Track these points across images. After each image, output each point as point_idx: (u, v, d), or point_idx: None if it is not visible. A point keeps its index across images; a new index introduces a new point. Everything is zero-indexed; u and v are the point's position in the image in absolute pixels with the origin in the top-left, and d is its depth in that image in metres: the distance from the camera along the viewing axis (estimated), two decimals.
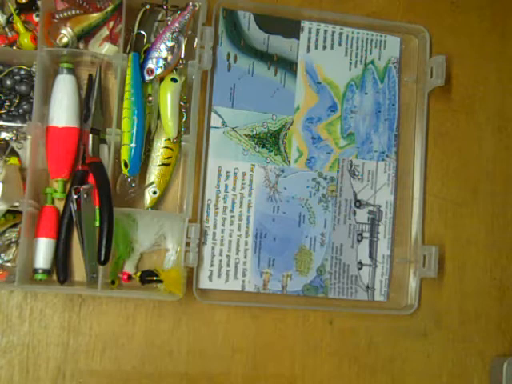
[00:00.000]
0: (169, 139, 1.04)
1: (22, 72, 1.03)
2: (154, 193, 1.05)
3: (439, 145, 1.16)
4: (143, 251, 1.05)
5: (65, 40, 1.00)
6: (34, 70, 1.02)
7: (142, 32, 1.05)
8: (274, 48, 1.12)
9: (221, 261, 1.07)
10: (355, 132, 1.13)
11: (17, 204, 0.95)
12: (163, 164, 1.05)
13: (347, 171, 1.12)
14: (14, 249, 1.00)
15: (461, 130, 1.17)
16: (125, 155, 1.00)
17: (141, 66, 1.03)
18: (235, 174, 1.09)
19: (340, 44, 1.14)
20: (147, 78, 1.03)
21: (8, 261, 1.00)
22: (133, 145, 1.00)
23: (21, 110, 1.02)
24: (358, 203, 1.12)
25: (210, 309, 1.07)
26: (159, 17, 1.07)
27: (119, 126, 1.01)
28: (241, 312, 1.08)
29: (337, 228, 1.11)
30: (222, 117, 1.09)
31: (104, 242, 0.93)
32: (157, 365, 1.05)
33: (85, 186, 0.98)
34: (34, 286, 0.99)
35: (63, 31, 0.99)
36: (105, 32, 1.04)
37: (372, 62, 1.15)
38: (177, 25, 1.03)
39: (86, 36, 1.02)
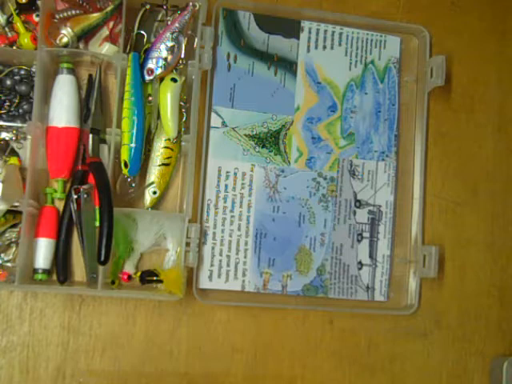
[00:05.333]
0: (169, 139, 1.04)
1: (22, 72, 1.03)
2: (154, 193, 1.05)
3: (439, 145, 1.16)
4: (143, 251, 1.05)
5: (65, 40, 1.00)
6: (34, 70, 1.02)
7: (142, 32, 1.05)
8: (274, 48, 1.12)
9: (221, 261, 1.07)
10: (355, 132, 1.13)
11: (17, 204, 0.95)
12: (163, 164, 1.05)
13: (347, 171, 1.12)
14: (14, 249, 1.01)
15: (461, 130, 1.17)
16: (125, 155, 1.00)
17: (141, 65, 1.03)
18: (235, 174, 1.09)
19: (340, 44, 1.14)
20: (147, 78, 1.03)
21: (8, 261, 1.00)
22: (133, 145, 1.00)
23: (21, 110, 1.02)
24: (358, 203, 1.12)
25: (210, 309, 1.07)
26: (159, 17, 1.07)
27: (119, 125, 1.01)
28: (241, 312, 1.08)
29: (337, 228, 1.11)
30: (222, 117, 1.09)
31: (104, 242, 0.93)
32: (157, 365, 1.05)
33: (85, 186, 0.98)
34: (34, 286, 0.99)
35: (63, 31, 0.99)
36: (105, 32, 1.04)
37: (372, 62, 1.15)
38: (177, 25, 1.03)
39: (85, 36, 1.02)
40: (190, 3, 1.04)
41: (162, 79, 1.04)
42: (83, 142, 1.02)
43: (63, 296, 1.03)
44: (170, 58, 1.02)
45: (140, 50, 1.04)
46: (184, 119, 1.05)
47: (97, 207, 0.97)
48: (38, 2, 1.02)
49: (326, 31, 1.14)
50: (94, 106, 1.02)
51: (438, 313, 1.13)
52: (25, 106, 1.02)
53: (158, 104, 1.03)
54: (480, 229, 1.16)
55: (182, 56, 1.04)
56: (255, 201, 1.09)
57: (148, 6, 1.05)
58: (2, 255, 1.00)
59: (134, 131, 1.00)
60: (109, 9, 1.02)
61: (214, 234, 1.07)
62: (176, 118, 1.03)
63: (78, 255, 1.02)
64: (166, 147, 1.05)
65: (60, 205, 1.02)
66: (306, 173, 1.11)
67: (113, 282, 1.03)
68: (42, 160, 1.02)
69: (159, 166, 1.05)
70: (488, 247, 1.16)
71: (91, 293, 1.01)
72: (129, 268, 1.04)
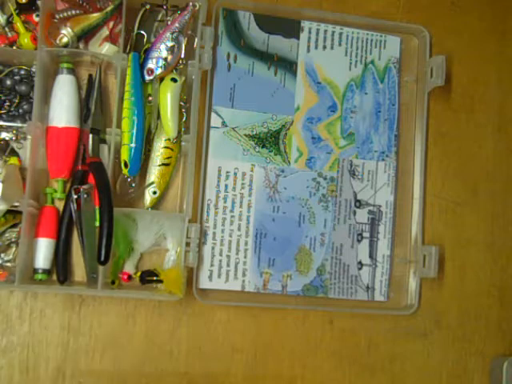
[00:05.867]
0: (169, 139, 1.04)
1: (22, 72, 1.03)
2: (154, 193, 1.05)
3: (439, 145, 1.16)
4: (143, 251, 1.05)
5: (65, 40, 1.00)
6: (34, 70, 1.02)
7: (142, 32, 1.05)
8: (274, 48, 1.12)
9: (221, 261, 1.07)
10: (355, 132, 1.13)
11: (17, 204, 0.95)
12: (163, 164, 1.05)
13: (347, 171, 1.12)
14: (13, 249, 1.00)
15: (461, 130, 1.17)
16: (125, 155, 1.00)
17: (141, 65, 1.03)
18: (235, 174, 1.09)
19: (340, 44, 1.14)
20: (147, 78, 1.03)
21: (8, 261, 1.00)
22: (133, 145, 1.00)
23: (21, 110, 1.02)
24: (358, 203, 1.12)
25: (210, 309, 1.07)
26: (159, 17, 1.07)
27: (119, 126, 1.01)
28: (241, 312, 1.08)
29: (337, 228, 1.11)
30: (222, 117, 1.09)
31: (104, 242, 0.93)
32: (157, 365, 1.05)
33: (85, 186, 0.98)
34: (34, 286, 0.99)
35: (63, 31, 0.99)
36: (105, 32, 1.04)
37: (372, 62, 1.15)
38: (177, 25, 1.03)
39: (85, 36, 1.02)
40: (190, 3, 1.04)
41: (162, 79, 1.04)
42: (83, 142, 1.02)
43: (63, 296, 1.03)
44: (170, 57, 1.02)
45: (140, 50, 1.04)
46: (184, 119, 1.06)
47: (97, 207, 0.97)
48: (38, 2, 1.02)
49: (326, 31, 1.14)
50: (94, 106, 1.02)
51: (438, 313, 1.13)
52: (25, 106, 1.02)
53: (158, 104, 1.03)
54: (480, 229, 1.16)
55: (182, 56, 1.04)
56: (255, 201, 1.09)
57: (148, 6, 1.05)
58: (2, 255, 1.00)
59: (134, 131, 1.00)
60: (109, 9, 1.02)
61: (214, 233, 1.07)
62: (176, 118, 1.03)
63: (78, 255, 1.02)
64: (166, 147, 1.05)
65: (60, 205, 1.02)
66: (305, 173, 1.11)
67: (113, 282, 1.03)
68: (42, 160, 1.02)
69: (159, 165, 1.05)
70: (488, 247, 1.16)
71: (91, 293, 1.01)
72: (129, 268, 1.04)
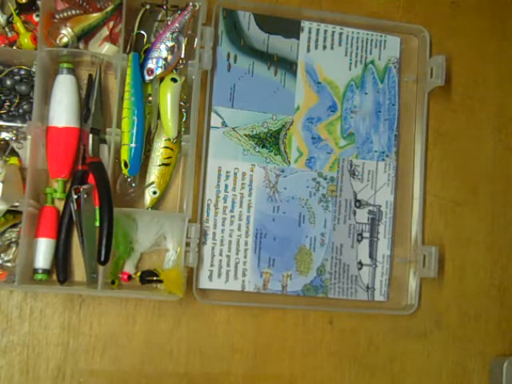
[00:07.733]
0: (169, 139, 1.04)
1: (22, 72, 1.03)
2: (154, 193, 1.05)
3: (439, 145, 1.16)
4: (143, 251, 1.05)
5: (65, 40, 1.00)
6: (33, 70, 1.02)
7: (142, 32, 1.05)
8: (274, 48, 1.12)
9: (221, 261, 1.07)
10: (355, 132, 1.13)
11: (17, 204, 0.95)
12: (163, 164, 1.05)
13: (347, 171, 1.12)
14: (13, 249, 1.01)
15: (461, 130, 1.17)
16: (125, 155, 1.00)
17: (141, 66, 1.03)
18: (235, 174, 1.09)
19: (340, 44, 1.14)
20: (147, 78, 1.03)
21: (8, 261, 1.00)
22: (133, 145, 1.00)
23: (21, 110, 1.02)
24: (358, 203, 1.12)
25: (210, 309, 1.07)
26: (159, 17, 1.07)
27: (119, 126, 1.01)
28: (241, 312, 1.08)
29: (337, 228, 1.11)
30: (222, 117, 1.09)
31: (104, 242, 0.93)
32: (157, 365, 1.05)
33: (85, 186, 0.98)
34: (34, 286, 0.99)
35: (63, 31, 0.99)
36: (105, 32, 1.04)
37: (372, 62, 1.15)
38: (177, 25, 1.03)
39: (85, 36, 1.02)
40: (190, 3, 1.04)
41: (162, 79, 1.04)
42: (83, 142, 1.02)
43: (63, 296, 1.03)
44: (170, 57, 1.02)
45: (140, 50, 1.04)
46: (184, 119, 1.05)
47: (97, 207, 0.97)
48: (38, 2, 1.02)
49: (326, 31, 1.14)
50: (93, 106, 1.02)
51: (437, 313, 1.13)
52: (25, 106, 1.02)
53: (158, 104, 1.03)
54: (480, 229, 1.16)
55: (182, 56, 1.04)
56: (255, 201, 1.09)
57: (148, 6, 1.05)
58: (2, 255, 1.00)
59: (134, 131, 1.00)
60: (109, 9, 1.02)
61: (214, 234, 1.07)
62: (176, 118, 1.03)
63: (78, 255, 1.02)
64: (165, 147, 1.05)
65: (60, 205, 1.02)
66: (305, 173, 1.11)
67: (113, 282, 1.03)
68: (42, 160, 1.02)
69: (159, 166, 1.05)
70: (488, 247, 1.16)
71: (91, 293, 1.01)
72: (129, 268, 1.04)
